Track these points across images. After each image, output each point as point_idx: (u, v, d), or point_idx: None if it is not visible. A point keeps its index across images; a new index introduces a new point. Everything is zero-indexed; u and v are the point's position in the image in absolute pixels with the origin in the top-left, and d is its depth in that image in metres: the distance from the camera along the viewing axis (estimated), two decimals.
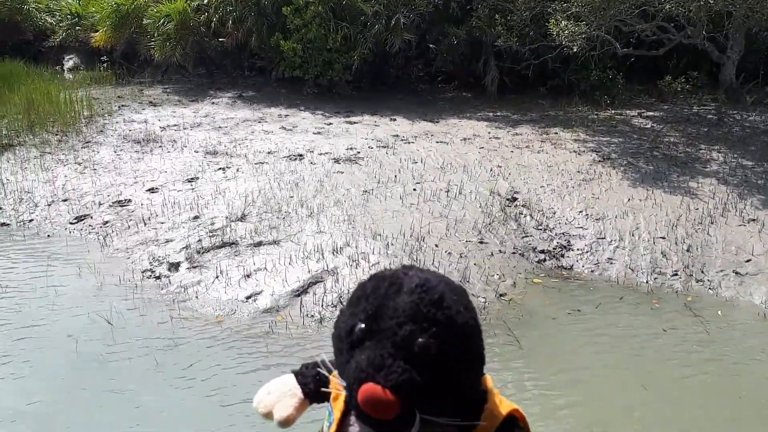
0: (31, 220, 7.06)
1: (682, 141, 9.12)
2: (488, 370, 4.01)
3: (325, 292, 5.11)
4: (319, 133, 9.17)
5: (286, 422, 1.31)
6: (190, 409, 3.81)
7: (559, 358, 4.54)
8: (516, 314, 5.12)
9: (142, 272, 5.63)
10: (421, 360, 1.05)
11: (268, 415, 1.34)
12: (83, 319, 4.83)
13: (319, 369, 1.32)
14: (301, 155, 8.09)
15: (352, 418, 1.15)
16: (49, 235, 6.71)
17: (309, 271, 5.37)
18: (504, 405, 1.22)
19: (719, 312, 5.30)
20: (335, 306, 4.97)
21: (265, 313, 4.98)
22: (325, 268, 5.39)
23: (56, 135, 9.11)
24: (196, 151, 8.38)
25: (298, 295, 5.14)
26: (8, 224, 7.01)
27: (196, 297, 5.20)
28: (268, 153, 8.23)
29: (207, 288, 5.29)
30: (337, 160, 7.85)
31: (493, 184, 7.22)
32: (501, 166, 7.78)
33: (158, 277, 5.52)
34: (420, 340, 1.06)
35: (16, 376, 4.07)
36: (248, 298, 5.14)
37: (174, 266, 5.63)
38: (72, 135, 9.07)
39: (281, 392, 1.35)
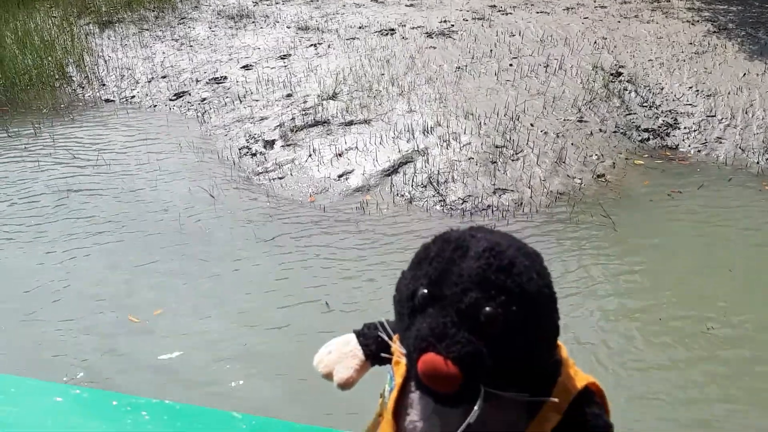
0: (132, 97, 7.31)
1: None
2: (579, 249, 3.93)
3: (415, 172, 5.10)
4: (411, 5, 8.83)
5: (346, 384, 1.25)
6: (286, 279, 3.98)
7: (654, 243, 4.39)
8: (613, 196, 4.96)
9: (239, 149, 5.78)
10: (487, 330, 0.96)
11: (329, 376, 1.27)
12: (185, 192, 5.06)
13: (383, 330, 1.25)
14: (392, 30, 7.86)
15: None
16: (150, 111, 6.95)
17: (399, 151, 5.35)
18: (579, 377, 1.09)
19: None
20: (425, 186, 4.97)
21: (357, 191, 5.05)
22: (416, 148, 5.35)
23: (153, 11, 9.22)
24: (288, 27, 8.30)
25: (389, 175, 5.16)
26: (112, 100, 7.30)
27: (291, 174, 5.31)
28: (360, 28, 8.04)
29: (301, 166, 5.38)
30: (429, 35, 7.59)
31: (597, 57, 6.82)
32: (606, 38, 7.30)
33: (254, 154, 5.66)
34: (487, 309, 0.96)
35: (124, 245, 4.36)
36: (340, 176, 5.21)
37: (269, 144, 5.74)
38: (168, 11, 9.16)
39: (342, 352, 1.28)
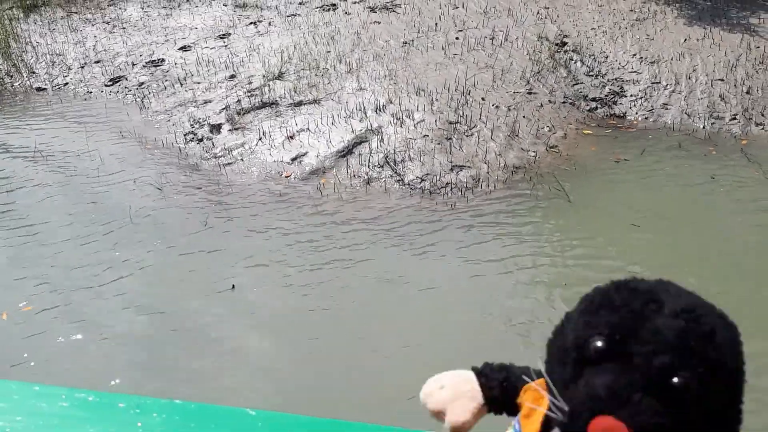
0: (66, 84, 6.96)
1: None
2: (537, 224, 3.94)
3: (370, 152, 5.01)
4: None
5: (461, 428, 1.11)
6: (244, 262, 3.86)
7: (607, 210, 4.45)
8: (566, 167, 4.99)
9: (184, 135, 5.57)
10: (674, 401, 0.83)
11: (439, 414, 1.12)
12: (132, 185, 4.84)
13: (508, 373, 1.12)
14: (334, 5, 7.68)
15: None
16: (85, 99, 6.63)
17: (353, 131, 5.25)
18: None
19: None
20: (382, 166, 4.89)
21: (312, 174, 4.93)
22: (369, 128, 5.25)
23: None
24: (225, 5, 8.03)
25: (344, 156, 5.06)
26: (44, 89, 6.94)
27: (241, 159, 5.15)
28: (300, 3, 7.84)
29: (251, 150, 5.22)
30: (372, 9, 7.45)
31: (541, 28, 6.82)
32: (548, 8, 7.30)
33: (201, 140, 5.46)
34: (679, 378, 0.83)
35: (75, 244, 4.14)
36: (293, 159, 5.08)
37: (215, 128, 5.55)
38: None
39: (459, 391, 1.13)
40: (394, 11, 7.35)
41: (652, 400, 0.83)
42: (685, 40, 6.56)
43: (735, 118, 5.64)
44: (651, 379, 0.84)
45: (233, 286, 3.70)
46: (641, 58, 6.35)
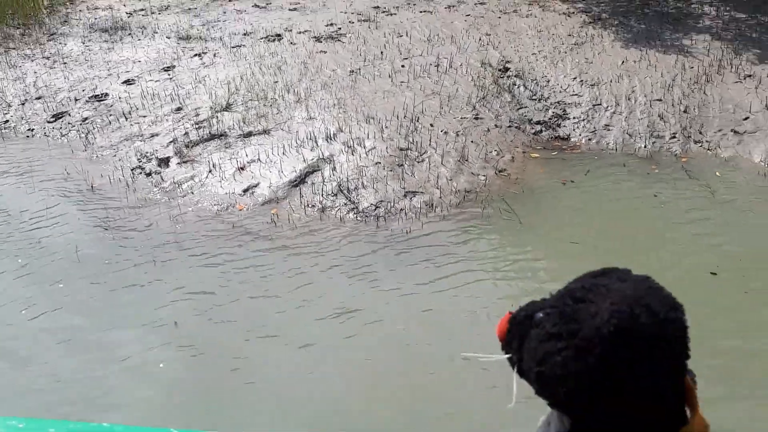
0: (6, 122, 6.77)
1: None
2: (489, 248, 4.02)
3: (323, 181, 5.02)
4: (294, 9, 8.71)
5: None
6: (206, 304, 3.80)
7: (556, 231, 4.55)
8: (515, 190, 5.09)
9: (132, 170, 5.48)
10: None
11: None
12: (79, 225, 4.73)
13: None
14: (279, 35, 7.72)
15: None
16: (27, 136, 6.47)
17: (304, 160, 5.25)
18: None
19: (717, 173, 5.31)
20: (335, 195, 4.90)
21: (265, 205, 4.91)
22: (321, 156, 5.26)
23: (18, 28, 8.60)
24: (168, 37, 7.97)
25: (296, 185, 5.05)
26: None
27: (192, 192, 5.09)
28: (245, 35, 7.84)
29: (202, 183, 5.17)
30: (318, 39, 7.51)
31: (484, 54, 6.98)
32: (490, 35, 7.49)
33: (149, 174, 5.39)
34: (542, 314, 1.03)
35: (20, 290, 4.01)
36: (245, 191, 5.05)
37: (164, 162, 5.48)
38: (35, 27, 8.57)
39: None
40: (339, 40, 7.42)
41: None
42: (623, 62, 6.81)
43: (674, 137, 5.85)
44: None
45: (175, 323, 3.65)
46: (582, 81, 6.55)
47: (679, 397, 0.89)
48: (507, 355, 1.00)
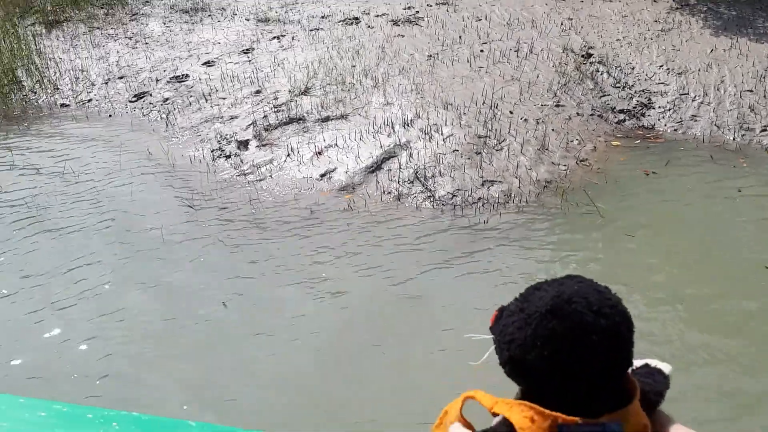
0: (89, 100, 7.05)
1: None
2: (570, 241, 3.95)
3: (400, 168, 5.04)
4: None
5: None
6: (279, 287, 3.89)
7: (640, 227, 4.43)
8: (597, 180, 5.00)
9: (212, 151, 5.62)
10: None
11: None
12: (163, 204, 4.89)
13: None
14: (357, 18, 7.74)
15: None
16: (110, 115, 6.72)
17: (381, 146, 5.28)
18: None
19: None
20: (412, 182, 4.92)
21: (342, 190, 4.96)
22: (398, 143, 5.28)
23: (102, 8, 8.89)
24: (247, 19, 8.11)
25: (373, 172, 5.09)
26: (68, 105, 7.03)
27: (270, 176, 5.20)
28: (322, 17, 7.90)
29: (280, 167, 5.27)
30: (395, 22, 7.50)
31: (566, 39, 6.84)
32: (572, 19, 7.33)
33: (228, 156, 5.52)
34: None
35: (109, 268, 4.18)
36: (322, 176, 5.12)
37: (243, 144, 5.61)
38: (118, 8, 8.84)
39: None
40: (417, 24, 7.39)
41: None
42: (712, 50, 6.56)
43: (765, 130, 5.63)
44: None
45: (224, 303, 3.76)
46: (668, 69, 6.36)
47: (617, 385, 0.99)
48: (491, 336, 1.12)
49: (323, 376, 3.26)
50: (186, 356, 3.41)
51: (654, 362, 1.20)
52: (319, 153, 5.34)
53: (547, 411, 0.95)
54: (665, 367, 1.19)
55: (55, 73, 7.47)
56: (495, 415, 1.00)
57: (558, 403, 0.96)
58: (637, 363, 1.19)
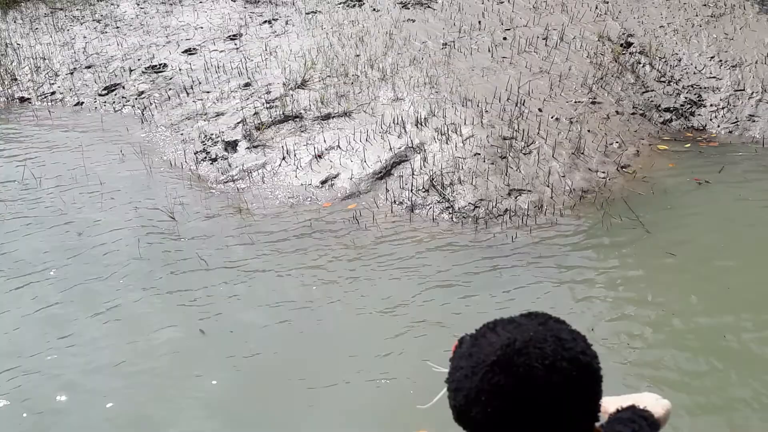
0: (53, 93, 7.04)
1: None
2: (611, 262, 3.86)
3: (413, 174, 5.00)
4: None
5: None
6: (267, 315, 3.83)
7: (688, 244, 4.37)
8: (642, 190, 4.95)
9: (195, 153, 5.59)
10: None
11: None
12: (139, 213, 4.84)
13: None
14: (360, 0, 7.72)
15: None
16: (76, 111, 6.70)
17: (391, 149, 5.24)
18: None
19: None
20: (427, 191, 4.87)
21: (346, 199, 4.92)
22: (410, 145, 5.24)
23: None
24: (234, 0, 8.08)
25: (382, 178, 5.06)
26: (28, 98, 7.02)
27: (263, 182, 5.16)
28: None
29: (274, 172, 5.23)
30: (405, 5, 7.47)
31: (601, 26, 6.81)
32: (608, 2, 7.30)
33: (214, 159, 5.48)
34: None
35: (80, 284, 4.12)
36: (323, 182, 5.08)
37: (231, 146, 5.57)
38: None
39: None
40: (429, 7, 7.37)
41: None
42: None
43: None
44: None
45: (201, 330, 3.71)
46: (720, 61, 6.32)
47: None
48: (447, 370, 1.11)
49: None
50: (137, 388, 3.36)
51: (644, 402, 1.20)
52: (319, 156, 5.29)
53: None
54: (659, 407, 1.20)
55: (13, 61, 7.45)
56: None
57: None
58: (623, 403, 1.19)
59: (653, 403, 1.24)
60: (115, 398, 3.32)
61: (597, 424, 1.07)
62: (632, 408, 1.19)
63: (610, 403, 1.19)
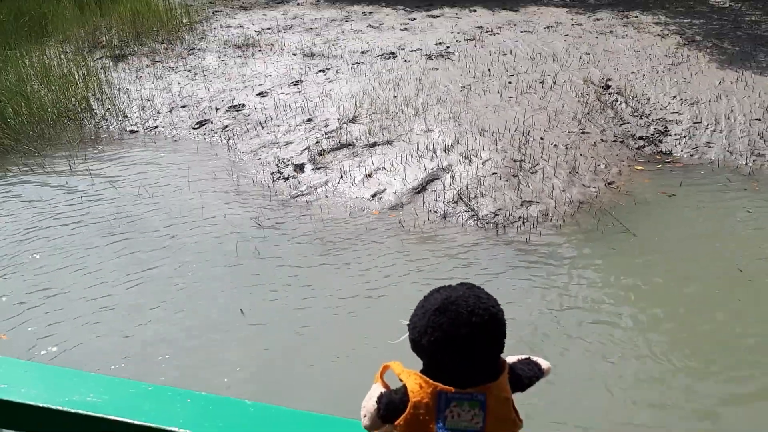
0: (156, 126, 7.06)
1: (764, 19, 8.35)
2: (608, 259, 3.88)
3: (444, 189, 5.01)
4: (405, 29, 8.71)
5: None
6: (343, 296, 3.85)
7: (668, 245, 4.38)
8: (625, 202, 4.94)
9: (271, 173, 5.61)
10: None
11: None
12: (232, 218, 4.88)
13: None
14: (393, 53, 7.74)
15: None
16: (175, 140, 6.72)
17: (425, 169, 5.25)
18: None
19: None
20: (456, 202, 4.88)
21: (392, 209, 4.93)
22: (440, 166, 5.25)
23: (162, 43, 8.94)
24: (294, 54, 8.12)
25: (419, 192, 5.06)
26: (137, 131, 7.05)
27: (326, 196, 5.17)
28: (362, 52, 7.90)
29: (334, 188, 5.24)
30: (429, 57, 7.49)
31: (585, 72, 6.80)
32: (589, 53, 7.29)
33: (287, 178, 5.50)
34: None
35: (184, 285, 4.16)
36: (373, 196, 5.09)
37: (299, 167, 5.59)
38: (176, 43, 8.88)
39: None
40: (449, 58, 7.37)
41: None
42: (720, 82, 6.50)
43: None
44: None
45: (241, 310, 3.75)
46: (681, 99, 6.30)
47: (487, 366, 1.16)
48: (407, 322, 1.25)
49: None
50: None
51: (535, 358, 1.35)
52: (369, 175, 5.31)
53: (431, 381, 1.14)
54: (543, 363, 1.32)
55: (124, 102, 7.50)
56: (401, 380, 1.19)
57: (445, 376, 1.14)
58: (522, 357, 1.34)
59: (540, 360, 1.37)
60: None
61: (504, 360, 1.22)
62: (528, 358, 1.32)
63: (512, 358, 1.34)
